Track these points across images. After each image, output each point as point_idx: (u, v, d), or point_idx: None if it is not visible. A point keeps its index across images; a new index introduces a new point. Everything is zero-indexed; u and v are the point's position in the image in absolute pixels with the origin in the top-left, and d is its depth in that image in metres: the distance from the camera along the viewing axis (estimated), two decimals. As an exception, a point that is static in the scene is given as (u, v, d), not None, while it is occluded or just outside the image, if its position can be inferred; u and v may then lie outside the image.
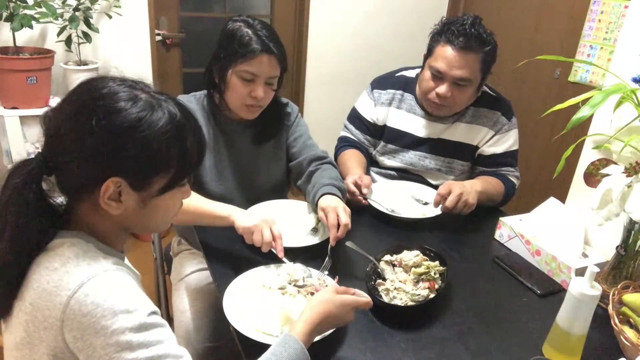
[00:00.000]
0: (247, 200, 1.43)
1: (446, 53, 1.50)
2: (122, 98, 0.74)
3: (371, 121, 1.76)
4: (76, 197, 0.79)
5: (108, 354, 0.68)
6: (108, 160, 0.73)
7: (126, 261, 0.88)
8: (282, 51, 1.36)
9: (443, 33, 1.52)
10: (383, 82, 1.77)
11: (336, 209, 1.22)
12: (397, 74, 1.77)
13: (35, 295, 0.72)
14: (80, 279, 0.70)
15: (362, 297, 0.96)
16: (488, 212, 1.55)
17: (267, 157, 1.53)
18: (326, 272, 1.17)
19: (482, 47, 1.49)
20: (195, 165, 0.83)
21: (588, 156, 1.35)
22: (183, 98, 1.47)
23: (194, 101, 1.46)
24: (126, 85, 0.76)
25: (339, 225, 1.20)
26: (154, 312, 0.74)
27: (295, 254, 1.23)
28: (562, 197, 1.44)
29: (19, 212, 0.73)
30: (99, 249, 0.78)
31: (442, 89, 1.53)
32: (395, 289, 1.09)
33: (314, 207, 1.34)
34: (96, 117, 0.71)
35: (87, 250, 0.75)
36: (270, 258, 1.21)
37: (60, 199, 0.80)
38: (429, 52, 1.58)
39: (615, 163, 1.19)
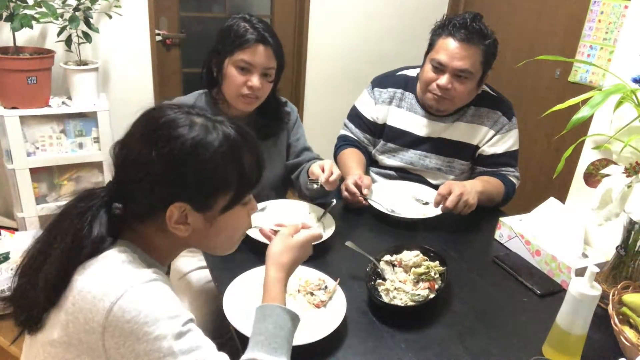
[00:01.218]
0: None
1: (448, 45, 1.52)
2: (179, 124, 0.76)
3: (371, 120, 1.76)
4: (141, 221, 0.81)
5: None
6: (171, 186, 0.75)
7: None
8: (278, 44, 1.40)
9: (445, 27, 1.54)
10: (384, 80, 1.77)
11: (330, 162, 1.39)
12: (397, 73, 1.77)
13: (78, 297, 0.72)
14: (124, 287, 0.71)
15: (312, 229, 0.97)
16: (488, 212, 1.55)
17: (266, 155, 1.53)
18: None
19: (483, 40, 1.51)
20: (255, 181, 0.84)
21: (588, 156, 1.35)
22: (183, 99, 1.49)
23: (192, 99, 1.49)
24: (182, 112, 0.78)
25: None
26: (191, 320, 0.75)
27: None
28: (562, 197, 1.44)
29: (81, 228, 0.75)
30: (143, 260, 0.79)
31: (443, 80, 1.54)
32: (395, 289, 1.09)
33: (307, 178, 1.44)
34: (157, 146, 0.74)
35: (132, 259, 0.77)
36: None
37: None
38: (430, 47, 1.60)
39: (615, 163, 1.19)
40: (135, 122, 0.80)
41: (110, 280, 0.72)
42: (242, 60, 1.36)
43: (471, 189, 1.44)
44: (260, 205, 1.43)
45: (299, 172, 1.56)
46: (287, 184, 1.67)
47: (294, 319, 0.84)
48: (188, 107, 0.80)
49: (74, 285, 0.73)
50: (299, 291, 1.09)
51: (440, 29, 1.56)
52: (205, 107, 1.47)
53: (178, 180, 0.75)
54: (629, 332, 1.00)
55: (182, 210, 0.77)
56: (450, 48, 1.51)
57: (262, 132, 1.52)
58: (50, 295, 0.74)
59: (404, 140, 1.72)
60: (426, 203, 1.56)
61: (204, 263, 1.38)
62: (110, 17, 2.35)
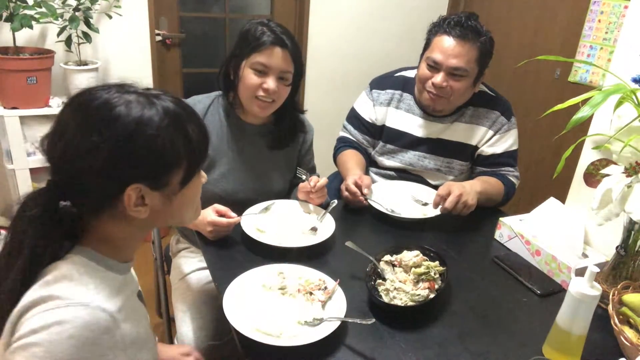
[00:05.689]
0: (250, 200, 1.44)
1: (442, 42, 1.53)
2: (116, 105, 0.72)
3: (370, 121, 1.76)
4: (94, 213, 0.78)
5: None
6: (121, 169, 0.72)
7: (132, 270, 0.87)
8: (296, 47, 1.39)
9: (440, 25, 1.55)
10: (382, 82, 1.77)
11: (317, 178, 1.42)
12: (396, 74, 1.77)
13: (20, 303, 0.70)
14: (53, 318, 0.66)
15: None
16: (488, 212, 1.55)
17: (277, 164, 1.55)
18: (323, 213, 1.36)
19: (478, 37, 1.51)
20: (204, 151, 0.83)
21: (588, 156, 1.35)
22: (199, 98, 1.50)
23: (208, 101, 1.49)
24: (114, 92, 0.74)
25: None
26: None
27: (295, 254, 1.23)
28: (562, 197, 1.44)
29: (36, 243, 0.72)
30: (100, 268, 0.76)
31: (438, 78, 1.54)
32: (395, 289, 1.09)
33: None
34: (97, 131, 0.70)
35: (83, 271, 0.73)
36: (270, 258, 1.21)
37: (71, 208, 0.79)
38: (426, 46, 1.60)
39: (615, 163, 1.18)
40: (63, 111, 0.75)
41: (43, 303, 0.68)
42: (258, 62, 1.34)
43: (470, 190, 1.44)
44: (263, 205, 1.43)
45: (295, 190, 1.54)
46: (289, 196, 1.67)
47: None
48: (118, 85, 0.76)
49: None
50: (299, 291, 1.09)
51: (436, 28, 1.57)
52: (222, 107, 1.49)
53: (128, 162, 0.72)
54: (629, 332, 1.00)
55: (139, 191, 0.74)
56: (445, 46, 1.52)
57: (277, 142, 1.52)
58: (12, 305, 0.71)
59: (403, 141, 1.72)
60: (425, 204, 1.56)
61: (204, 264, 1.38)
62: (110, 17, 2.35)
